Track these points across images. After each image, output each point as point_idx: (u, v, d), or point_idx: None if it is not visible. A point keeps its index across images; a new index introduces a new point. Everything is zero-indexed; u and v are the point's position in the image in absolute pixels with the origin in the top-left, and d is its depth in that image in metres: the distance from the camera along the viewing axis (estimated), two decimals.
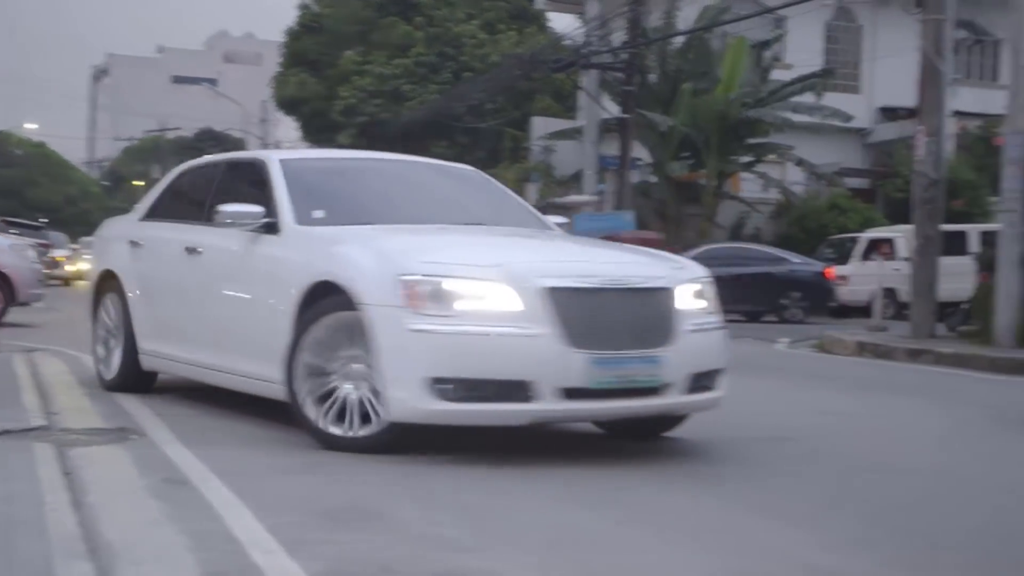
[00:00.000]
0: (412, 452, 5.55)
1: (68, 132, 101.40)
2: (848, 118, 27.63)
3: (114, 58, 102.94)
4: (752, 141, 28.17)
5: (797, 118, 27.16)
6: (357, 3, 37.25)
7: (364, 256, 5.73)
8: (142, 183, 72.78)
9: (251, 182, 6.91)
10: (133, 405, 7.01)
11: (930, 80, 16.34)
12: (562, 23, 40.17)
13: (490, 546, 3.91)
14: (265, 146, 55.81)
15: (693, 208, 28.29)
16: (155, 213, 7.91)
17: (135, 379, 7.62)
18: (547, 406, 5.40)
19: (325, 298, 5.76)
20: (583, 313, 5.43)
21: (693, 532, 4.28)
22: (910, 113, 22.20)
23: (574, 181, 28.98)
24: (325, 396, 5.71)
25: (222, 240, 6.76)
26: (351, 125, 35.58)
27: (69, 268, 36.60)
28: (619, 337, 5.49)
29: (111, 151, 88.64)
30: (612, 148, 27.50)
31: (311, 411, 5.74)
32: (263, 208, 6.47)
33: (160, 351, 7.34)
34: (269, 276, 6.33)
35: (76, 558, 3.60)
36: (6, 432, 5.84)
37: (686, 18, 28.23)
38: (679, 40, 28.27)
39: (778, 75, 28.88)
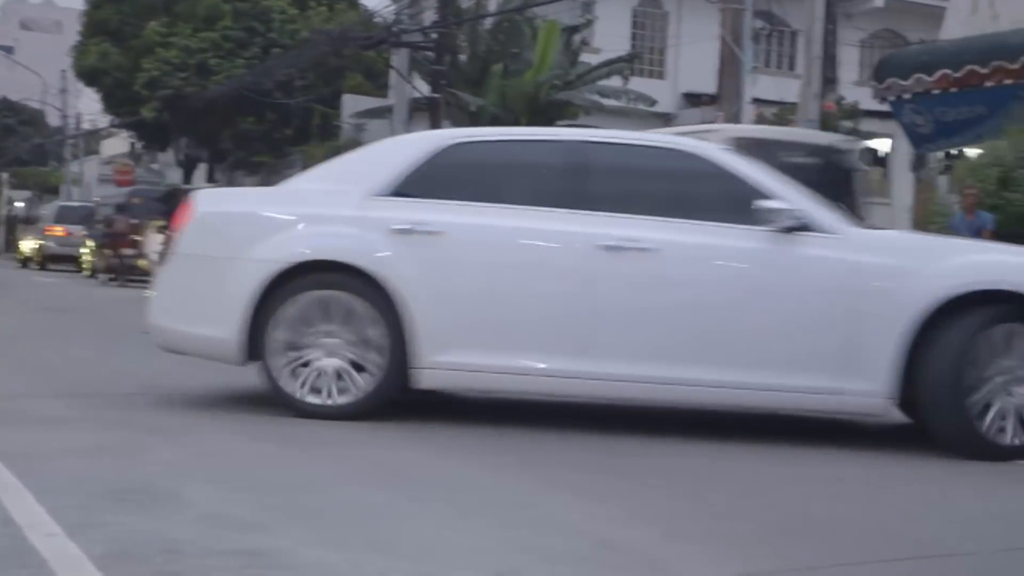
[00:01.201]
0: (205, 432, 5.47)
1: None
2: (653, 102, 28.26)
3: None
4: (560, 123, 28.53)
5: (605, 101, 27.65)
6: None
7: None
8: None
9: (678, 173, 6.39)
10: None
11: (729, 68, 16.87)
12: (373, 0, 39.88)
13: (282, 524, 3.89)
14: (65, 118, 53.84)
15: None
16: (410, 193, 6.38)
17: (386, 401, 6.25)
18: None
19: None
20: None
21: (491, 508, 4.34)
22: (712, 99, 22.81)
23: None
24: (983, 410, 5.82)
25: (697, 236, 6.08)
26: (155, 98, 34.60)
27: None
28: None
29: None
30: (423, 127, 27.46)
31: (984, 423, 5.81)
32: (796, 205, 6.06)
33: (481, 363, 6.09)
34: (837, 282, 5.96)
35: None
36: None
37: None
38: (490, 21, 28.41)
39: (587, 59, 29.33)
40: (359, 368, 6.17)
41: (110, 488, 4.31)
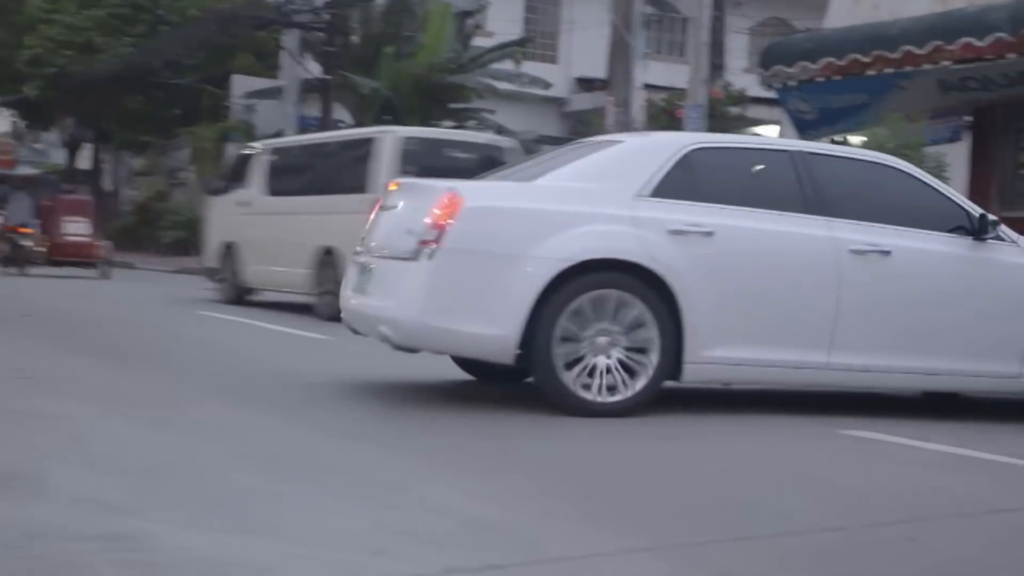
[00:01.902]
0: (77, 417, 5.37)
1: None
2: (548, 86, 28.36)
3: None
4: (454, 106, 28.50)
5: (498, 85, 27.67)
6: None
7: None
8: None
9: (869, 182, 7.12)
10: None
11: (619, 53, 17.01)
12: None
13: (154, 508, 3.85)
14: None
15: None
16: (667, 194, 6.59)
17: (654, 396, 6.46)
18: None
19: None
20: None
21: (367, 490, 4.34)
22: (603, 84, 22.98)
23: None
24: None
25: (917, 242, 6.90)
26: (38, 76, 33.71)
27: None
28: None
29: None
30: (315, 109, 27.23)
31: None
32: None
33: (745, 357, 6.52)
34: None
35: None
36: None
37: None
38: (382, 2, 28.23)
39: (480, 43, 29.31)
40: (630, 366, 6.29)
41: None
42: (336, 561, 3.37)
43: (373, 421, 5.93)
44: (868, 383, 7.00)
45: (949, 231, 7.00)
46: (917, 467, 5.47)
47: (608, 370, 6.26)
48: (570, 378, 6.20)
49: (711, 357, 6.45)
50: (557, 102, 33.20)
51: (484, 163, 11.88)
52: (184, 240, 30.46)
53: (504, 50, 28.12)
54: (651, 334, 6.30)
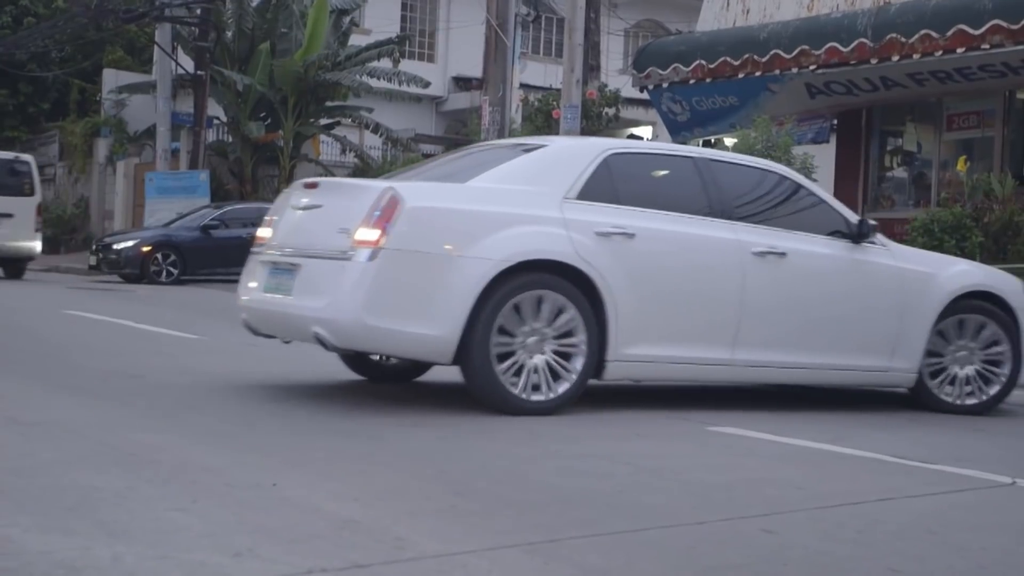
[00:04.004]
0: None
1: None
2: (426, 84, 28.32)
3: None
4: (330, 104, 28.30)
5: (375, 83, 27.55)
6: None
7: (998, 272, 8.31)
8: None
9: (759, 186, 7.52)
10: None
11: (495, 53, 17.09)
12: None
13: (8, 511, 3.76)
14: None
15: (271, 169, 28.10)
16: (590, 197, 6.77)
17: (580, 394, 6.67)
18: None
19: (965, 302, 7.71)
20: None
21: (228, 490, 4.29)
22: (481, 83, 23.04)
23: (147, 137, 28.01)
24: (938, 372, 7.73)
25: (806, 245, 7.34)
26: None
27: None
28: None
29: None
30: (188, 105, 26.81)
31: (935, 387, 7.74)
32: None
33: (659, 355, 6.82)
34: (894, 283, 7.56)
35: None
36: None
37: None
38: None
39: (356, 41, 29.15)
40: (560, 364, 6.47)
41: None
42: (197, 563, 3.33)
43: (237, 421, 5.87)
44: (765, 378, 7.46)
45: (828, 235, 7.48)
46: (778, 462, 5.61)
47: (537, 370, 6.42)
48: (505, 378, 6.33)
49: (631, 355, 6.69)
50: (435, 101, 33.21)
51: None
52: (54, 238, 29.71)
53: (381, 48, 28.02)
54: (579, 334, 6.50)
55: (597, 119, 21.57)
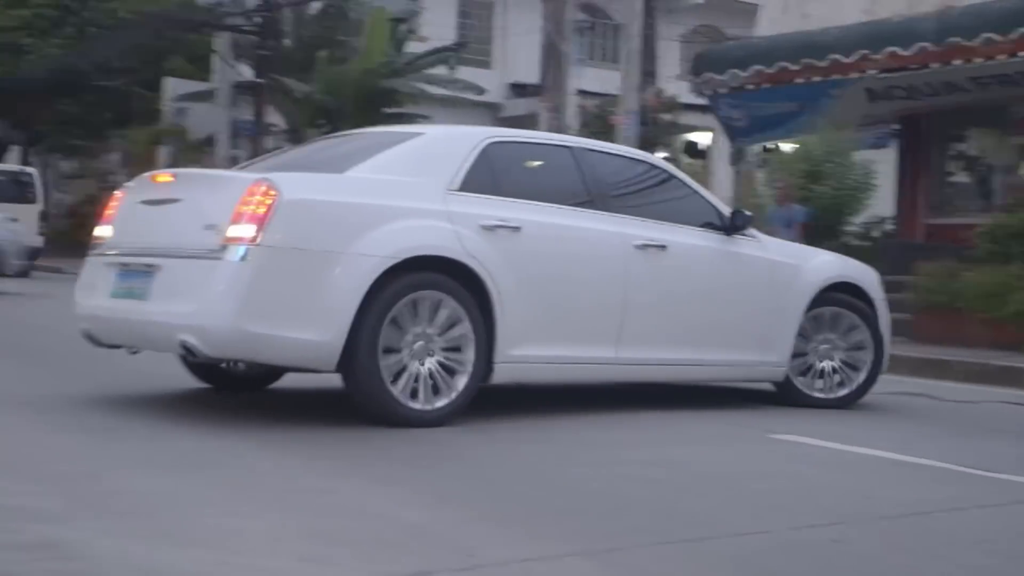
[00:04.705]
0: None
1: None
2: (481, 91, 28.37)
3: None
4: (388, 111, 28.42)
5: (432, 90, 27.64)
6: None
7: (856, 262, 8.24)
8: None
9: (644, 178, 7.33)
10: None
11: (552, 60, 17.08)
12: None
13: (79, 515, 3.82)
14: None
15: None
16: (472, 188, 6.35)
17: (471, 399, 6.15)
18: None
19: (829, 295, 7.63)
20: None
21: (291, 495, 4.32)
22: (538, 90, 23.06)
23: (208, 144, 28.31)
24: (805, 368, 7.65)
25: (684, 237, 7.12)
26: None
27: None
28: None
29: None
30: (248, 113, 27.05)
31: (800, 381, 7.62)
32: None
33: (546, 355, 6.45)
34: (766, 276, 7.44)
35: None
36: None
37: None
38: (316, 6, 28.12)
39: (414, 48, 29.27)
40: (449, 370, 6.01)
41: None
42: (260, 568, 3.36)
43: (286, 429, 5.88)
44: (649, 377, 7.25)
45: (701, 226, 7.28)
46: (843, 470, 5.55)
47: (425, 376, 5.91)
48: (393, 386, 5.81)
49: (519, 356, 6.30)
50: (492, 107, 33.25)
51: None
52: None
53: (438, 55, 28.11)
54: (468, 335, 6.03)
55: (655, 125, 21.50)
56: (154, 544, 3.52)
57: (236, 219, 5.60)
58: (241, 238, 5.57)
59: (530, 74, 29.44)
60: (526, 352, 6.33)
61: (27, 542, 3.46)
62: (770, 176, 15.69)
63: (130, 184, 6.72)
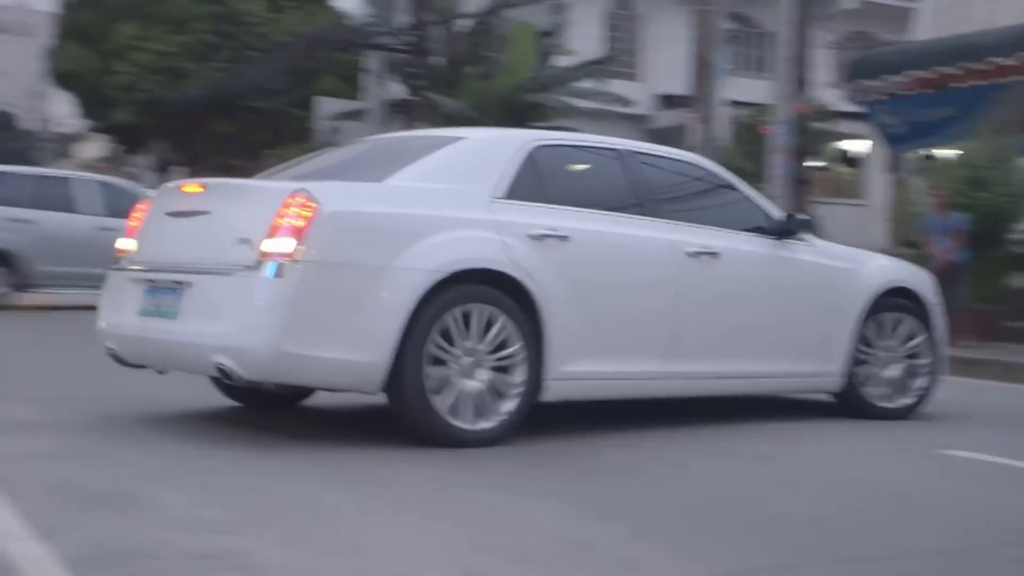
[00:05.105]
0: (171, 436, 5.47)
1: None
2: (629, 103, 28.29)
3: None
4: (536, 125, 28.54)
5: (579, 103, 27.67)
6: None
7: (911, 266, 7.92)
8: None
9: (691, 181, 6.98)
10: None
11: (702, 70, 16.93)
12: (347, 3, 39.87)
13: (247, 527, 3.91)
14: (43, 121, 53.57)
15: None
16: (518, 195, 6.01)
17: (524, 419, 5.81)
18: None
19: (886, 300, 7.31)
20: None
21: (456, 509, 4.35)
22: (686, 101, 22.90)
23: None
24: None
25: (737, 243, 6.79)
26: (129, 101, 34.44)
27: None
28: None
29: None
30: (399, 129, 27.45)
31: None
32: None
33: (597, 371, 6.11)
34: (822, 282, 7.13)
35: None
36: None
37: (470, 2, 28.40)
38: (465, 24, 28.43)
39: (561, 62, 29.35)
40: (499, 386, 5.69)
41: (82, 492, 4.32)
42: None
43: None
44: (701, 391, 6.81)
45: (751, 230, 6.95)
46: (1021, 488, 5.36)
47: (474, 394, 5.60)
48: (441, 405, 5.49)
49: (570, 372, 5.95)
50: (640, 119, 33.12)
51: None
52: None
53: (585, 68, 28.13)
54: (518, 351, 5.71)
55: (808, 134, 21.12)
56: (324, 555, 3.59)
57: (273, 232, 5.30)
58: (279, 253, 5.26)
59: (678, 85, 29.25)
60: (577, 368, 5.98)
61: (206, 552, 3.56)
62: (929, 183, 15.28)
63: (155, 193, 6.43)
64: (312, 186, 5.49)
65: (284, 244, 5.25)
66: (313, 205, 5.31)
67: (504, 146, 6.21)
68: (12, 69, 57.42)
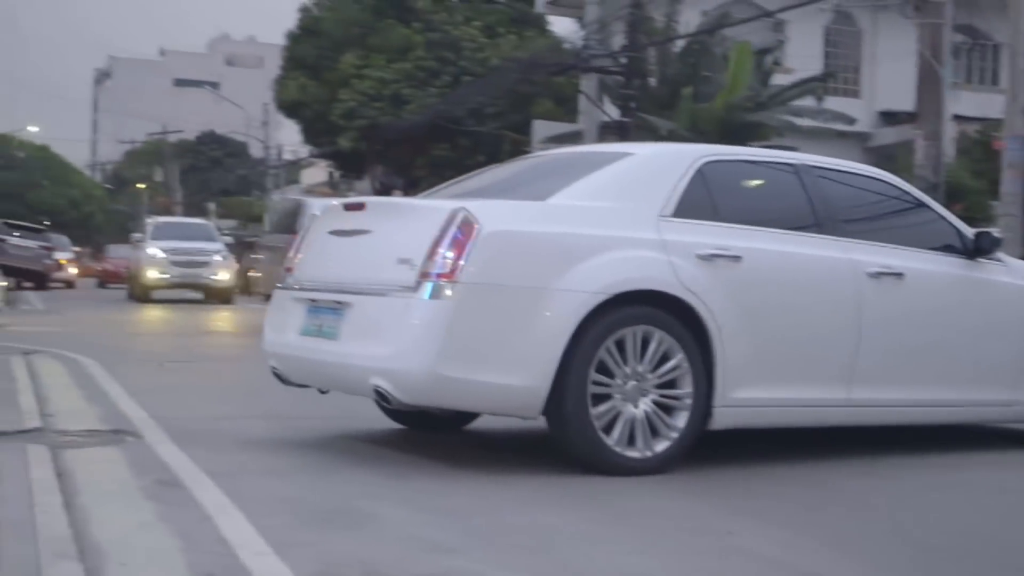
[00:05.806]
0: (394, 454, 5.57)
1: (70, 135, 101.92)
2: (851, 121, 27.62)
3: (116, 61, 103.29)
4: (754, 144, 28.16)
5: (799, 122, 27.17)
6: (355, 7, 37.29)
7: None
8: (144, 186, 72.90)
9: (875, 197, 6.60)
10: (130, 407, 7.04)
11: (928, 84, 16.38)
12: (562, 26, 40.24)
13: (476, 548, 3.94)
14: (267, 149, 55.93)
15: None
16: (687, 213, 5.77)
17: (690, 447, 5.57)
18: None
19: None
20: None
21: (678, 534, 4.30)
22: (910, 117, 22.20)
23: None
24: None
25: (923, 263, 6.40)
26: (352, 128, 35.60)
27: (72, 271, 36.99)
28: None
29: (113, 154, 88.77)
30: None
31: None
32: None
33: (771, 397, 5.80)
34: (1018, 303, 6.69)
35: (65, 559, 3.62)
36: (1, 434, 5.87)
37: (686, 22, 28.26)
38: (680, 44, 28.30)
39: (778, 80, 28.89)
40: (663, 413, 5.48)
41: (312, 508, 4.45)
42: None
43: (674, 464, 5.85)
44: (884, 419, 6.36)
45: (939, 249, 6.54)
46: None
47: (637, 421, 5.37)
48: (603, 431, 5.30)
49: (741, 399, 5.65)
50: (860, 137, 32.30)
51: None
52: None
53: (805, 86, 27.60)
54: (686, 376, 5.47)
55: None
56: None
57: (433, 253, 5.19)
58: (438, 274, 5.15)
59: (900, 101, 28.42)
60: (748, 395, 5.68)
61: (430, 572, 3.61)
62: None
63: (320, 213, 6.41)
64: (473, 205, 5.37)
65: (443, 264, 5.16)
66: (474, 224, 5.20)
67: (672, 162, 5.97)
68: (243, 99, 60.14)
